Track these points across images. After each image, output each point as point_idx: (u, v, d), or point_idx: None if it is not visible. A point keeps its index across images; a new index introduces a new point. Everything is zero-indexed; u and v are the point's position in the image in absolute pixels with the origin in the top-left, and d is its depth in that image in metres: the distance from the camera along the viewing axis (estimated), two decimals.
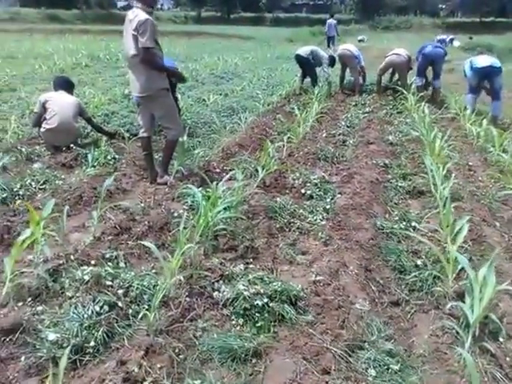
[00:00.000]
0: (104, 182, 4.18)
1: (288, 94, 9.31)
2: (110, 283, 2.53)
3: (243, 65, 14.22)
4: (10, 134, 5.65)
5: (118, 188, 4.20)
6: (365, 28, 35.19)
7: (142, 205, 3.77)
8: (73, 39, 24.34)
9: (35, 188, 4.16)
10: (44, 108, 5.24)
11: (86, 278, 2.56)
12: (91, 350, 2.15)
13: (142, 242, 2.87)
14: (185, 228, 3.43)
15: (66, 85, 5.63)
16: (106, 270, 2.63)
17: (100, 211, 3.33)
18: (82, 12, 43.10)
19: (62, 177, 4.50)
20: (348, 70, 9.65)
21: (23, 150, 5.14)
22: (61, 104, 5.22)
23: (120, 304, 2.39)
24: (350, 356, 2.15)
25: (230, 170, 4.73)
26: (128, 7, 49.47)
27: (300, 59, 9.31)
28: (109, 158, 4.95)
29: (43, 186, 4.23)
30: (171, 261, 2.59)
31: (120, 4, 52.00)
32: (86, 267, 2.72)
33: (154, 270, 2.85)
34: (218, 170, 4.70)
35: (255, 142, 5.77)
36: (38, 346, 2.15)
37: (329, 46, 20.93)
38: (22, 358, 2.10)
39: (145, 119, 4.40)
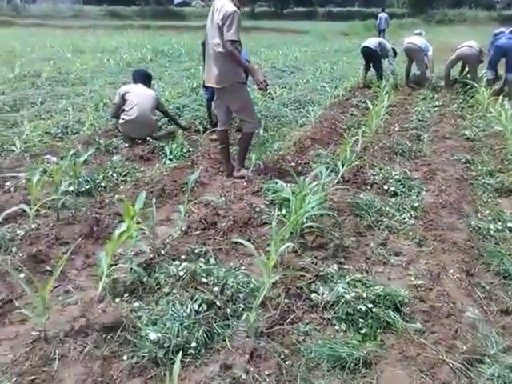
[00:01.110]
0: (184, 175, 4.25)
1: (352, 87, 9.04)
2: (205, 280, 2.47)
3: (303, 58, 14.00)
4: (87, 126, 5.79)
5: (197, 181, 4.17)
6: (418, 22, 33.83)
7: (223, 199, 3.70)
8: (134, 34, 24.98)
9: (117, 180, 4.22)
10: (123, 99, 5.31)
11: (181, 273, 2.51)
12: (193, 351, 2.09)
13: (239, 240, 2.80)
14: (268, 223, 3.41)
15: (144, 78, 5.69)
16: (200, 267, 2.58)
17: (187, 205, 3.30)
18: (141, 8, 44.06)
19: (141, 169, 4.54)
20: (414, 63, 9.28)
21: (101, 142, 5.25)
22: (140, 96, 5.28)
23: (218, 303, 2.32)
24: (469, 370, 1.98)
25: (305, 164, 4.64)
26: (183, 3, 50.24)
27: (368, 51, 9.00)
28: (184, 151, 4.96)
29: (124, 178, 4.28)
30: (265, 259, 2.50)
31: (176, 1, 52.85)
32: (177, 262, 2.69)
33: (243, 267, 2.78)
34: (292, 164, 4.58)
35: (326, 136, 5.63)
36: (138, 345, 2.11)
37: (383, 37, 20.61)
38: (125, 357, 2.07)
39: (221, 112, 4.36)
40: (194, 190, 4.04)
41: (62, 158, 4.35)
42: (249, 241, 3.11)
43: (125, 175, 4.33)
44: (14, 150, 4.86)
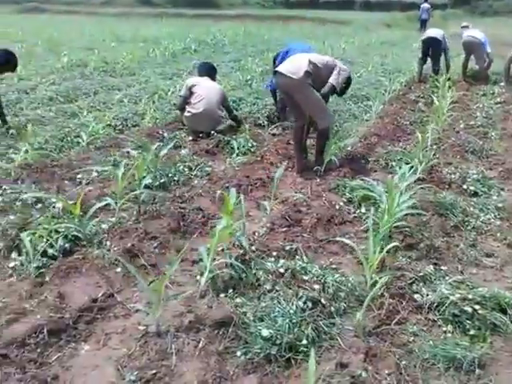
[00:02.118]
0: (255, 171, 4.25)
1: (408, 81, 8.83)
2: (305, 278, 2.47)
3: (350, 50, 13.76)
4: (147, 119, 5.84)
5: (269, 177, 4.16)
6: (461, 13, 32.80)
7: (302, 196, 3.67)
8: (169, 23, 25.04)
9: (188, 174, 4.24)
10: (190, 92, 5.32)
11: (282, 270, 2.51)
12: (304, 349, 2.09)
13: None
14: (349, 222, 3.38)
15: (210, 71, 5.69)
16: (297, 264, 2.57)
17: (272, 202, 3.29)
18: None
19: (209, 163, 4.56)
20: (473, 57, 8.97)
21: (165, 135, 5.29)
22: (207, 89, 5.28)
23: (323, 301, 2.31)
24: None
25: (375, 162, 4.57)
26: None
27: (432, 42, 8.66)
28: (249, 145, 4.95)
29: (194, 173, 4.30)
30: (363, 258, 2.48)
31: None
32: (272, 259, 2.70)
33: (333, 266, 2.76)
34: (362, 162, 4.52)
35: (391, 132, 5.53)
36: (249, 342, 2.13)
37: (422, 29, 20.45)
38: (238, 353, 2.09)
39: (292, 108, 4.35)
40: (268, 185, 4.04)
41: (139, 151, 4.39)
42: (333, 239, 3.10)
43: (194, 169, 4.35)
44: (79, 142, 4.96)
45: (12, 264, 2.76)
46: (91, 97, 7.22)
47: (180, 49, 13.15)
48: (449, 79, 8.59)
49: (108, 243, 2.91)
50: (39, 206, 3.34)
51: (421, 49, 8.99)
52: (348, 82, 4.35)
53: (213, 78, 5.63)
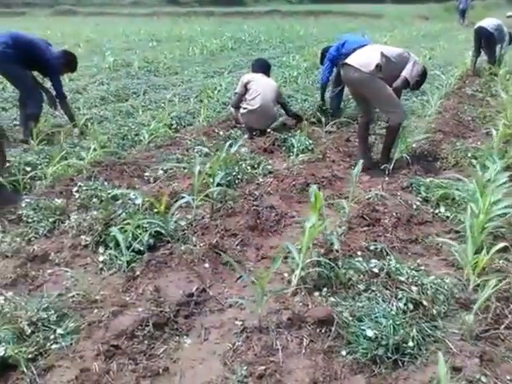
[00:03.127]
0: (319, 169, 4.23)
1: (461, 75, 8.64)
2: (402, 278, 2.44)
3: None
4: (202, 118, 5.89)
5: (334, 175, 4.15)
6: (502, 2, 31.87)
7: (375, 194, 3.63)
8: (199, 21, 25.13)
9: (251, 172, 4.25)
10: (245, 89, 5.33)
11: (375, 270, 2.50)
12: (410, 351, 2.08)
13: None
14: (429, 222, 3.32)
15: (265, 67, 5.66)
16: (391, 264, 2.55)
17: (350, 200, 3.28)
18: None
19: (269, 161, 4.56)
20: None
21: (221, 133, 5.33)
22: (263, 86, 5.27)
23: (425, 302, 2.29)
24: None
25: (444, 159, 4.49)
26: None
27: (482, 32, 8.45)
28: (307, 143, 4.93)
29: (256, 171, 4.31)
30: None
31: None
32: (360, 259, 2.69)
33: (422, 267, 2.71)
34: (430, 159, 4.45)
35: (454, 128, 5.41)
36: (352, 341, 2.12)
37: (461, 19, 20.57)
38: (343, 353, 2.09)
39: (359, 103, 4.31)
40: (333, 184, 4.03)
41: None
42: (416, 240, 3.07)
43: (256, 167, 4.37)
44: (141, 141, 5.04)
45: (101, 258, 2.83)
46: (141, 96, 7.31)
47: (217, 47, 13.20)
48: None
49: (194, 239, 2.95)
50: (118, 202, 3.40)
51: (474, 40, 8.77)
52: (423, 75, 4.22)
53: (267, 75, 5.62)
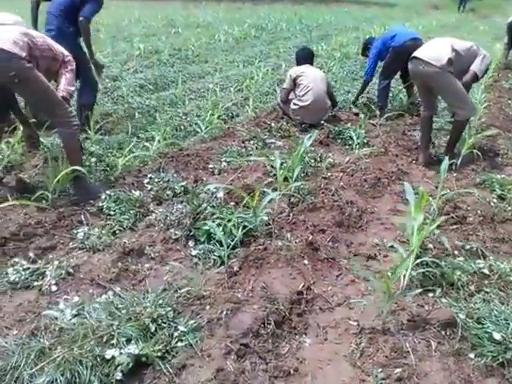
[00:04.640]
0: (385, 163, 4.21)
1: (494, 68, 8.54)
2: None
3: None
4: (250, 108, 5.83)
5: (400, 170, 4.12)
6: None
7: (449, 191, 3.60)
8: (210, 8, 24.70)
9: (315, 166, 4.21)
10: (294, 83, 5.25)
11: (485, 271, 2.48)
12: None
13: None
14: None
15: (310, 57, 5.52)
16: (496, 265, 2.53)
17: (439, 198, 3.25)
18: None
19: (329, 154, 4.52)
20: None
21: (272, 125, 5.27)
22: (314, 79, 5.16)
23: None
24: None
25: (504, 155, 4.45)
26: None
27: None
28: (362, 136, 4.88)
29: (319, 165, 4.26)
30: None
31: None
32: (461, 258, 2.66)
33: None
34: (491, 154, 4.41)
35: (503, 123, 5.36)
36: (476, 343, 2.11)
37: (461, 6, 21.26)
38: (471, 356, 2.07)
39: (424, 96, 4.26)
40: (401, 179, 3.99)
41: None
42: (503, 239, 3.04)
43: (320, 161, 4.33)
44: (196, 132, 4.99)
45: (194, 252, 2.81)
46: (179, 85, 7.21)
47: (240, 34, 13.04)
48: None
49: (288, 235, 2.92)
50: (201, 195, 3.36)
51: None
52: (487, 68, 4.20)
53: (312, 64, 5.50)
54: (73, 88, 3.31)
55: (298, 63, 5.51)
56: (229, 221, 2.87)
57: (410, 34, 5.61)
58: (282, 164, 3.49)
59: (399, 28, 6.11)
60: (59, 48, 3.27)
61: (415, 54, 4.08)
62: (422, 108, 4.32)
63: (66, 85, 3.20)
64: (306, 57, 5.51)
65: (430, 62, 3.91)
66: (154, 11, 20.44)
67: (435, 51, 3.98)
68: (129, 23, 15.97)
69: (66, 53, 3.30)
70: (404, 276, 2.46)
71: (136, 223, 3.15)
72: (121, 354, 1.92)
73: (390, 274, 2.53)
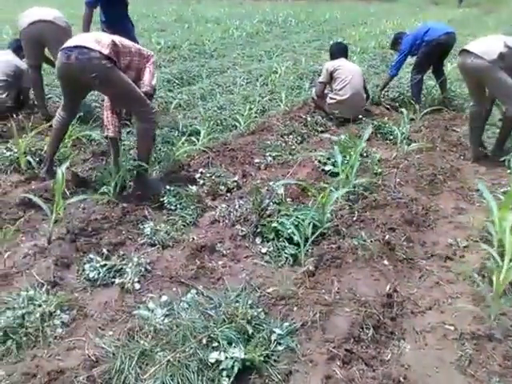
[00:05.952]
0: (435, 159, 4.11)
1: None
2: None
3: None
4: (284, 102, 5.71)
5: (452, 166, 4.01)
6: None
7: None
8: (211, 3, 24.45)
9: (363, 161, 4.07)
10: (331, 77, 5.13)
11: None
12: None
13: None
14: None
15: (345, 51, 5.42)
16: None
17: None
18: None
19: (373, 150, 4.41)
20: None
21: (308, 119, 5.14)
22: (351, 73, 5.05)
23: None
24: None
25: None
26: None
27: None
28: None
29: (366, 160, 4.15)
30: None
31: None
32: None
33: None
34: None
35: None
36: None
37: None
38: None
39: (473, 91, 4.15)
40: (455, 175, 3.89)
41: None
42: None
43: (366, 156, 4.21)
44: (236, 126, 4.87)
45: (264, 250, 2.70)
46: (204, 80, 7.07)
47: (252, 30, 12.88)
48: None
49: (363, 233, 2.80)
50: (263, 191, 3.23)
51: None
52: None
53: (347, 58, 5.40)
54: (155, 82, 3.33)
55: (333, 57, 5.40)
56: (303, 220, 2.74)
57: (443, 29, 5.51)
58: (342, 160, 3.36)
59: (433, 23, 6.01)
60: (136, 45, 3.33)
61: (465, 46, 3.99)
62: (471, 103, 4.21)
63: (149, 80, 3.23)
64: (340, 51, 5.41)
65: (479, 55, 3.82)
66: (160, 6, 20.23)
67: (486, 45, 3.90)
68: (138, 18, 15.72)
69: (146, 49, 3.35)
70: (501, 280, 2.34)
71: (197, 218, 3.03)
72: (226, 358, 1.80)
73: (476, 275, 2.46)
